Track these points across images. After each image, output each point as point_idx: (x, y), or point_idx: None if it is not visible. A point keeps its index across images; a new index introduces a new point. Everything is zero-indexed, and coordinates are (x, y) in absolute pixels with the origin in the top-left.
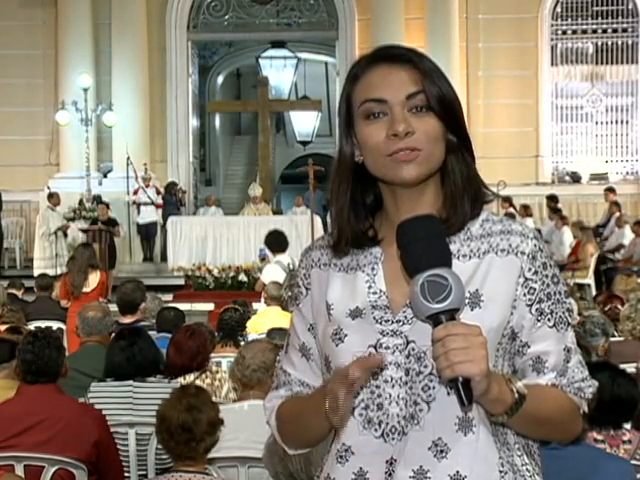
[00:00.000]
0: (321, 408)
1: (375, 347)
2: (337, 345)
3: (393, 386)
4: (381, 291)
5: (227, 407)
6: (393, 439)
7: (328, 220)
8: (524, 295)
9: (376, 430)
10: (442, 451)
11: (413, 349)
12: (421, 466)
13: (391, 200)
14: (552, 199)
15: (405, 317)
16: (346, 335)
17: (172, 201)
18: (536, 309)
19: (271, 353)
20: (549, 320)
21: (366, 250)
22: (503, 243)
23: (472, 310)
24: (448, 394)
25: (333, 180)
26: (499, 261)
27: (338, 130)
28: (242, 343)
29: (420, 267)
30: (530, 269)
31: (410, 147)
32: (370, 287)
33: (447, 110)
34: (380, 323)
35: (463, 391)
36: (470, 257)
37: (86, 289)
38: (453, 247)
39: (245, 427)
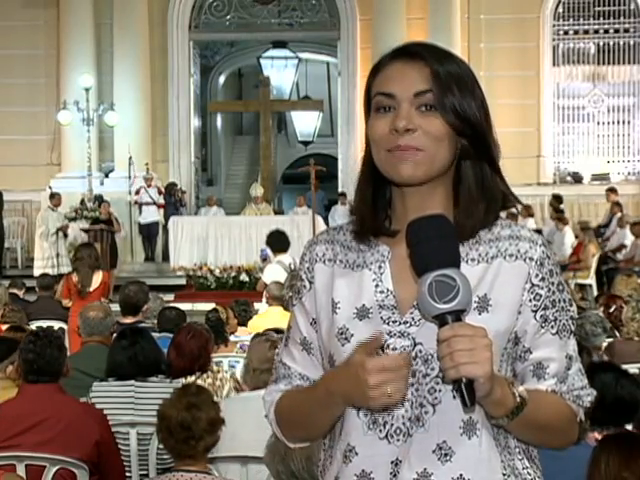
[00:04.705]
0: (325, 400)
1: (382, 348)
2: (343, 345)
3: None
4: (388, 290)
5: (245, 395)
6: (398, 440)
7: (329, 220)
8: (530, 301)
9: (381, 431)
10: (446, 454)
11: (420, 351)
12: (425, 469)
13: (399, 199)
14: (557, 199)
15: (412, 318)
16: (352, 335)
17: (171, 201)
18: (540, 315)
19: (271, 350)
20: (552, 327)
21: (373, 248)
22: (512, 248)
23: (480, 314)
24: (454, 397)
25: (360, 169)
26: (507, 266)
27: (364, 124)
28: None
29: (429, 267)
30: (537, 275)
31: (409, 145)
32: (377, 285)
33: (458, 115)
34: (387, 324)
35: (466, 392)
36: (478, 261)
37: (88, 289)
38: (462, 250)
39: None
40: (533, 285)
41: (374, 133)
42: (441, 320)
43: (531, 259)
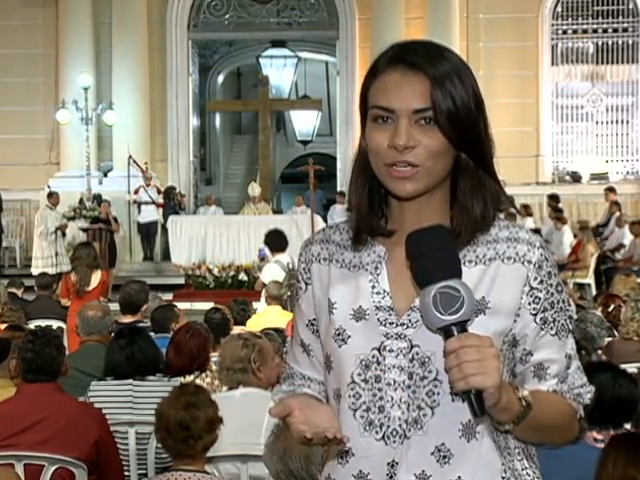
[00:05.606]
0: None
1: (379, 350)
2: (340, 346)
3: (395, 389)
4: (385, 291)
5: (219, 395)
6: (394, 442)
7: (328, 219)
8: (529, 304)
9: (377, 433)
10: (445, 457)
11: (417, 353)
12: (423, 471)
13: (396, 202)
14: (553, 198)
15: (409, 320)
16: (349, 337)
17: (171, 205)
18: (540, 318)
19: (243, 349)
20: (552, 328)
21: (369, 248)
22: (510, 251)
23: (477, 316)
24: (453, 400)
25: (352, 172)
26: (505, 269)
27: (360, 123)
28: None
29: (432, 279)
30: (536, 278)
31: (408, 161)
32: (374, 287)
33: (457, 126)
34: (384, 325)
35: (476, 402)
36: (476, 263)
37: (87, 288)
38: (459, 253)
39: (238, 414)
40: (532, 288)
41: (372, 144)
42: (446, 331)
43: (529, 262)
